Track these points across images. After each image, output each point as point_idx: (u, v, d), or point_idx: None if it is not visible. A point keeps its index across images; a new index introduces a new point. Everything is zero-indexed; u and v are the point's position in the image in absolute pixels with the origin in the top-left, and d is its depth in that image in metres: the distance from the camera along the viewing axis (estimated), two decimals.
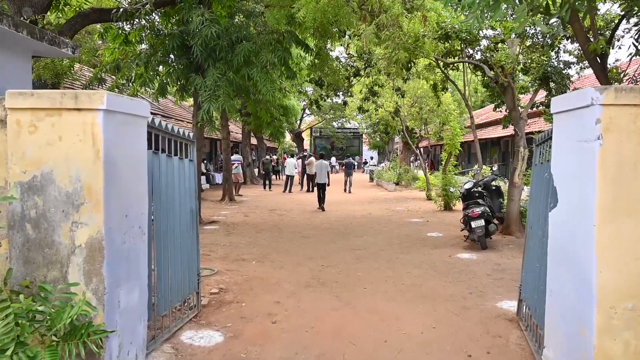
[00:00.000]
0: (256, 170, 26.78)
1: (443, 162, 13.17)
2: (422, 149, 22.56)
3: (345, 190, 19.31)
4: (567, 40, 7.74)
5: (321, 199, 12.78)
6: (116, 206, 2.81)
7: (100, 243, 2.71)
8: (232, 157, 18.41)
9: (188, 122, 21.93)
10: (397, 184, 20.47)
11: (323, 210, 12.65)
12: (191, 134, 4.26)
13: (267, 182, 20.32)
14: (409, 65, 8.15)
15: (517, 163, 8.19)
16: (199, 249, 4.50)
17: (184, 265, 4.14)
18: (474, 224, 6.96)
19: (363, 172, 37.93)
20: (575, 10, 2.84)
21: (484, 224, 6.94)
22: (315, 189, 13.51)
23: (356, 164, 43.52)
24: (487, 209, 7.13)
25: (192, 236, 4.35)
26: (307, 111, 44.86)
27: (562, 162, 2.75)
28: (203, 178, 21.07)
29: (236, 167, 17.80)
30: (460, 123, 13.27)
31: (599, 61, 3.98)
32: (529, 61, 8.27)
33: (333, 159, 38.28)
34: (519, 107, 8.47)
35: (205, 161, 22.67)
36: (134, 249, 3.01)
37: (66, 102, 2.67)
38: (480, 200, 7.34)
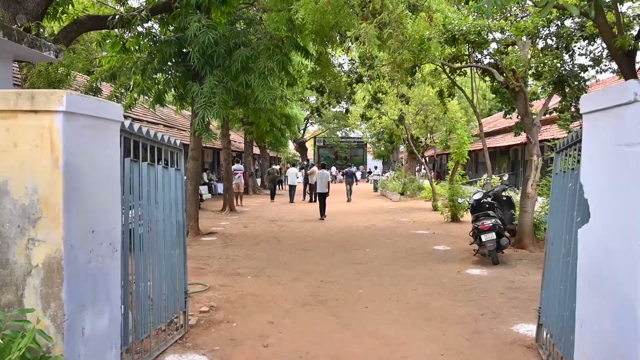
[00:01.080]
0: (259, 180, 26.49)
1: (450, 172, 12.76)
2: (427, 158, 22.17)
3: (347, 199, 19.68)
4: (584, 41, 7.35)
5: (322, 208, 12.84)
6: (80, 221, 2.46)
7: (59, 263, 2.36)
8: (234, 167, 18.09)
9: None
10: (402, 194, 20.04)
11: (324, 218, 12.70)
12: (177, 141, 3.94)
13: (273, 192, 19.62)
14: (414, 69, 7.82)
15: (530, 172, 7.77)
16: (186, 265, 4.14)
17: (169, 282, 3.79)
18: (484, 238, 6.54)
19: (367, 181, 37.48)
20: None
21: (495, 237, 6.52)
22: (317, 198, 13.76)
23: (360, 173, 43.32)
24: (499, 221, 6.71)
25: (179, 250, 4.00)
26: (310, 120, 44.77)
27: (595, 170, 2.37)
28: (205, 188, 20.79)
29: (238, 176, 17.49)
30: (467, 131, 12.87)
31: (627, 59, 3.61)
32: (542, 65, 7.91)
33: (333, 169, 37.81)
34: (532, 114, 8.08)
35: (207, 170, 22.42)
36: (103, 268, 2.65)
37: (22, 104, 2.34)
38: (490, 212, 6.92)
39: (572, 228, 2.88)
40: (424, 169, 20.43)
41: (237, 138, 27.61)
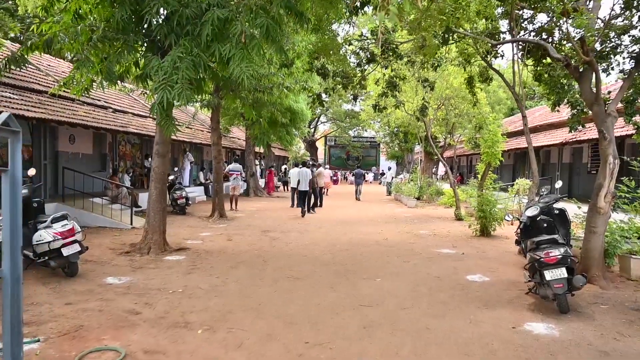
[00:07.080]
0: (262, 182, 24.54)
1: (480, 175, 10.64)
2: (444, 160, 19.99)
3: (356, 198, 20.22)
4: None
5: (305, 204, 13.26)
6: None
7: None
8: (229, 167, 16.20)
9: (197, 129, 19.73)
10: (418, 198, 17.89)
11: (303, 215, 13.15)
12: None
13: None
14: (446, 36, 5.78)
15: (604, 180, 5.66)
16: (21, 344, 2.20)
17: None
18: (549, 275, 4.46)
19: (380, 183, 35.33)
20: None
21: (566, 274, 4.43)
22: (297, 195, 13.62)
23: (373, 174, 41.23)
24: (569, 250, 4.62)
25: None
26: (322, 119, 42.82)
27: None
28: (201, 189, 18.99)
29: (234, 178, 15.60)
30: (500, 127, 10.70)
31: None
32: (618, 34, 5.80)
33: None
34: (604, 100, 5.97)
35: (204, 170, 20.62)
36: None
37: None
38: (556, 237, 4.81)
39: None
40: (444, 171, 18.23)
41: (241, 135, 25.72)
